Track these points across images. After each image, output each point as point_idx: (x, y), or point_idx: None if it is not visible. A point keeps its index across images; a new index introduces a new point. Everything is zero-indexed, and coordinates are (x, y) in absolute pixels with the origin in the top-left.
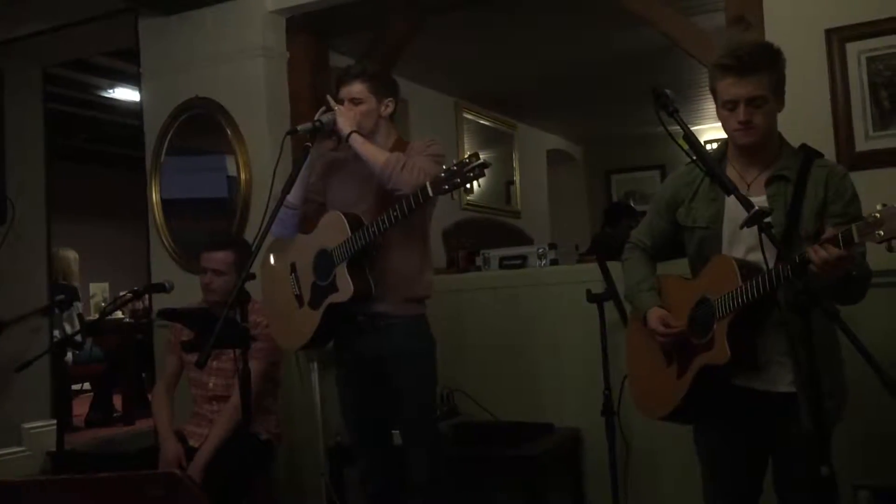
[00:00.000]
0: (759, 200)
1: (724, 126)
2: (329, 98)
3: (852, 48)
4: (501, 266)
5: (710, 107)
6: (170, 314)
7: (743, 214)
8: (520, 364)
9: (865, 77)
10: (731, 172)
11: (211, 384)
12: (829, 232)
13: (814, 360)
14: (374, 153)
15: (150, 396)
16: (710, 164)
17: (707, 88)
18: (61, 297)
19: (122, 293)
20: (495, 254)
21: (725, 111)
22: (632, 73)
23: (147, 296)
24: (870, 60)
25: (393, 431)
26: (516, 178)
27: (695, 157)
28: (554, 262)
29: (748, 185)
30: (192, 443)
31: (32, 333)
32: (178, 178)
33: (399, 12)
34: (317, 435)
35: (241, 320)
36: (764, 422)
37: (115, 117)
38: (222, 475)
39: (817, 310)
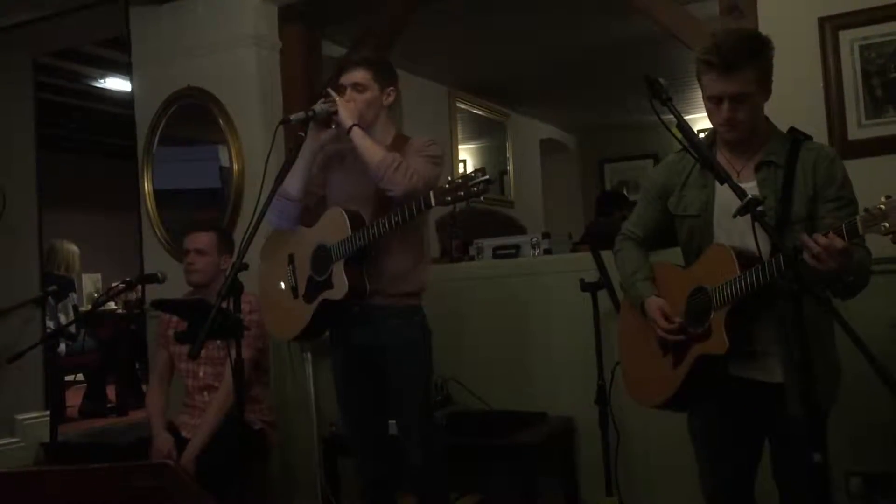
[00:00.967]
0: (749, 186)
1: (709, 117)
2: (330, 90)
3: (845, 36)
4: (495, 256)
5: None
6: (162, 305)
7: (734, 201)
8: (513, 353)
9: (858, 65)
10: (721, 159)
11: (201, 373)
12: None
13: (806, 348)
14: (371, 149)
15: (143, 387)
16: (703, 152)
17: None
18: (54, 287)
19: (114, 284)
20: (489, 243)
21: (710, 104)
22: (625, 61)
23: (140, 286)
24: (863, 49)
25: (389, 421)
26: (510, 167)
27: (687, 145)
28: (547, 252)
29: (738, 172)
30: (183, 433)
31: (24, 324)
32: (170, 168)
33: (391, 1)
34: (311, 425)
35: (234, 310)
36: (759, 410)
37: (107, 107)
38: (215, 465)
39: (810, 297)
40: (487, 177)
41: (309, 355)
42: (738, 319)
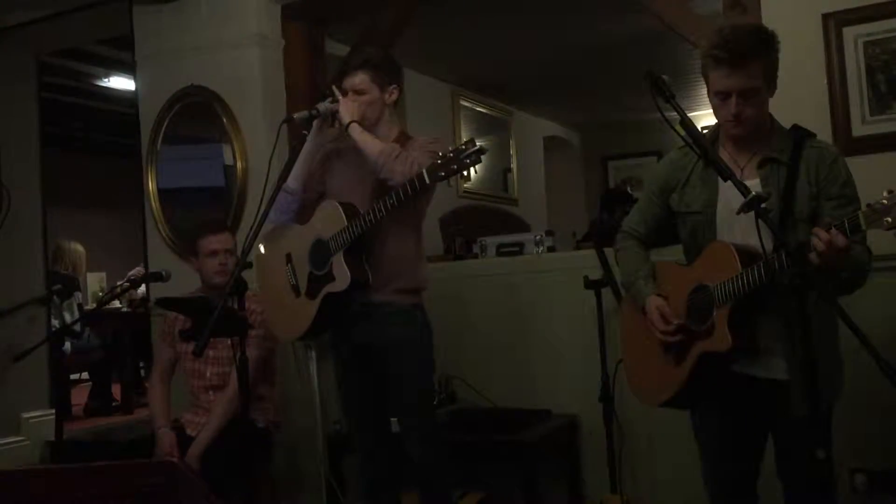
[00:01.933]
0: (753, 183)
1: (715, 113)
2: (335, 89)
3: (849, 32)
4: (498, 253)
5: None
6: (167, 303)
7: (736, 199)
8: (517, 351)
9: (862, 61)
10: (724, 156)
11: (208, 373)
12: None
13: (810, 344)
14: (370, 142)
15: (147, 385)
16: (707, 150)
17: None
18: (58, 286)
19: (119, 282)
20: (492, 241)
21: (717, 100)
22: (628, 58)
23: (144, 285)
24: (867, 45)
25: (392, 419)
26: (513, 165)
27: (691, 142)
28: (551, 249)
29: (741, 169)
30: (189, 432)
31: (29, 323)
32: (174, 167)
33: None
34: (315, 423)
35: (238, 308)
36: (762, 407)
37: (111, 106)
38: (220, 463)
39: (813, 293)
40: (479, 146)
41: (313, 353)
42: (740, 317)
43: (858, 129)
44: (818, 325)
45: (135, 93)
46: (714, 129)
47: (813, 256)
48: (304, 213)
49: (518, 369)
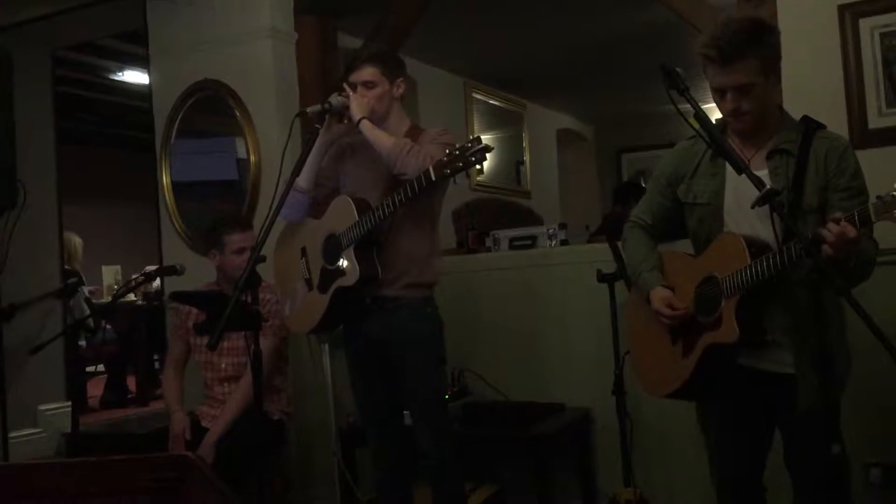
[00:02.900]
0: (761, 175)
1: (718, 108)
2: (345, 86)
3: (865, 24)
4: (511, 247)
5: None
6: (181, 296)
7: (744, 190)
8: (530, 344)
9: (879, 53)
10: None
11: (223, 365)
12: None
13: (824, 338)
14: (382, 138)
15: (161, 378)
16: (721, 143)
17: None
18: (74, 279)
19: (133, 276)
20: (505, 234)
21: (716, 96)
22: (642, 51)
23: (159, 278)
24: (883, 36)
25: (404, 412)
26: (526, 158)
27: (706, 136)
28: (564, 243)
29: (748, 160)
30: (204, 423)
31: (45, 316)
32: (188, 160)
33: None
34: (328, 415)
35: (252, 302)
36: (769, 400)
37: (125, 100)
38: (234, 455)
39: (829, 287)
40: (483, 144)
41: (326, 346)
42: (748, 309)
43: (875, 122)
44: (826, 318)
45: (149, 87)
46: (721, 122)
47: (826, 248)
48: (319, 207)
49: (531, 363)
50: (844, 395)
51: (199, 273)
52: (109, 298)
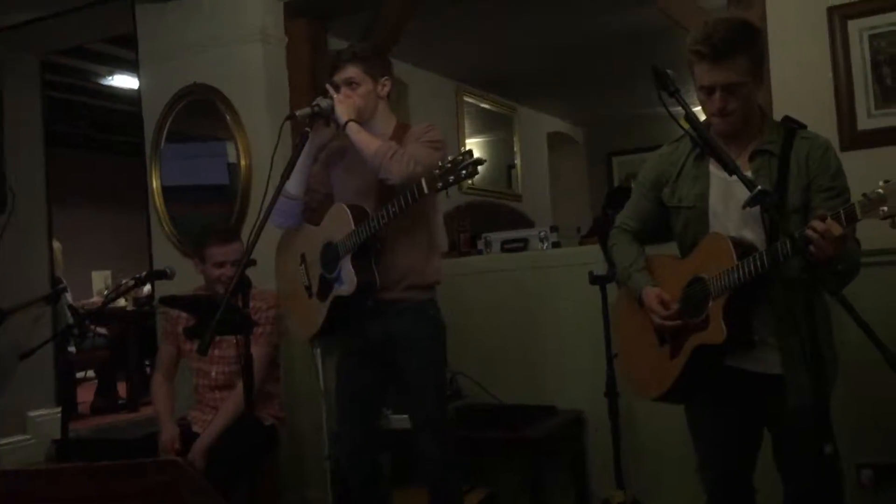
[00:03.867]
0: None
1: (702, 108)
2: (329, 87)
3: (854, 26)
4: (503, 249)
5: None
6: (171, 301)
7: (728, 191)
8: (522, 347)
9: (868, 55)
10: None
11: (213, 373)
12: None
13: (815, 339)
14: (366, 141)
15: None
16: (713, 144)
17: None
18: (63, 284)
19: (123, 281)
20: (497, 237)
21: (702, 95)
22: (632, 53)
23: (149, 283)
24: (872, 38)
25: (393, 416)
26: (517, 161)
27: (697, 138)
28: (556, 245)
29: None
30: (195, 429)
31: (34, 322)
32: (178, 164)
33: None
34: (321, 420)
35: (243, 306)
36: (756, 401)
37: (114, 105)
38: (226, 460)
39: (820, 287)
40: (476, 158)
41: (318, 350)
42: (735, 309)
43: (864, 123)
44: (816, 318)
45: (138, 91)
46: (706, 123)
47: (811, 248)
48: (314, 214)
49: (523, 365)
50: (834, 396)
51: (190, 277)
52: (100, 303)
